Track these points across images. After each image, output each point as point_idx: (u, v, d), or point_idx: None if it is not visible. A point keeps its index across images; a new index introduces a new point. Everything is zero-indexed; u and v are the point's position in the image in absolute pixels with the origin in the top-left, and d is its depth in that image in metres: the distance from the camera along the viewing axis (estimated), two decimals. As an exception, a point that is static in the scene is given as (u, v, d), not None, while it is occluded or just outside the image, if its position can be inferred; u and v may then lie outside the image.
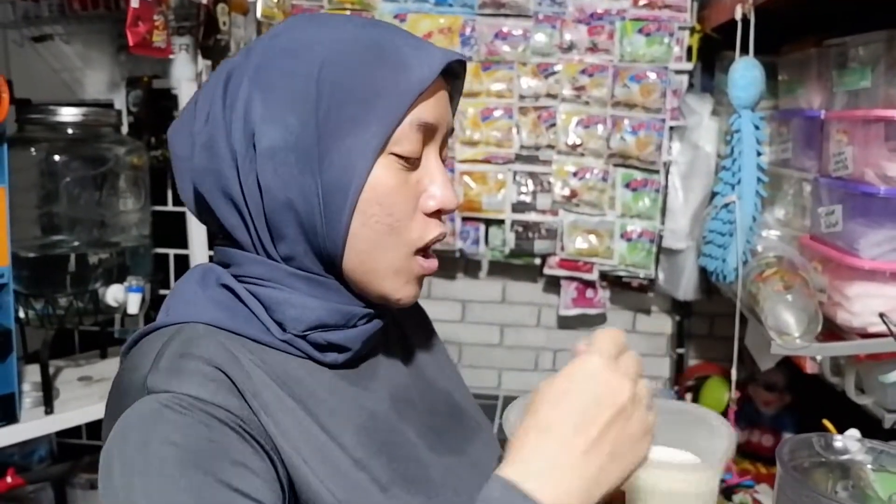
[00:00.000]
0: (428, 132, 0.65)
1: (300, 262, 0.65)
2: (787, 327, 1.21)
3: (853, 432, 1.00)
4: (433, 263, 0.69)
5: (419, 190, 0.66)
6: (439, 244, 0.70)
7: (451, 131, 0.71)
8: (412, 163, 0.65)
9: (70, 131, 1.43)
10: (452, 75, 0.70)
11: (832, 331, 1.25)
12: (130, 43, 1.24)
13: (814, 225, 1.33)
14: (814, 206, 1.33)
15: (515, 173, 1.99)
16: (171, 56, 1.44)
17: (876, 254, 1.16)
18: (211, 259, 0.71)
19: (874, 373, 1.21)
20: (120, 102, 1.72)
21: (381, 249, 0.64)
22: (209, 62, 1.57)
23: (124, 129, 1.69)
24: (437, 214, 0.67)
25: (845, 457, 0.93)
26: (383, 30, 0.66)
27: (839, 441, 0.94)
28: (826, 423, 1.09)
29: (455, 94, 0.72)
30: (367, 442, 0.64)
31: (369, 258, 0.64)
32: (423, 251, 0.67)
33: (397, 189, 0.64)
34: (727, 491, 1.54)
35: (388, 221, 0.63)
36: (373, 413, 0.67)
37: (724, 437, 0.71)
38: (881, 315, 1.09)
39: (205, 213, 0.68)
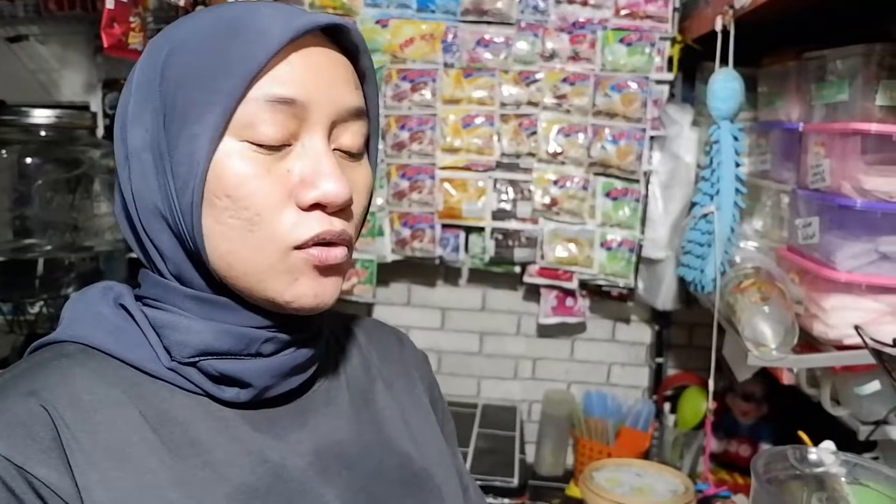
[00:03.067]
0: (293, 111, 0.55)
1: (189, 277, 0.58)
2: (763, 339, 1.21)
3: (828, 444, 1.00)
4: (328, 252, 0.57)
5: (292, 180, 0.56)
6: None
7: (357, 115, 0.59)
8: (274, 148, 0.55)
9: (43, 133, 1.40)
10: (349, 52, 0.60)
11: (809, 342, 1.25)
12: (105, 45, 1.21)
13: (791, 237, 1.34)
14: (791, 217, 1.34)
15: (496, 181, 1.99)
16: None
17: (852, 266, 1.16)
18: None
19: (850, 384, 1.21)
20: (96, 104, 1.71)
21: (246, 249, 0.55)
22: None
23: (100, 132, 1.67)
24: (321, 209, 0.56)
25: (820, 469, 0.93)
26: (255, 4, 0.57)
27: (814, 454, 0.94)
28: (801, 434, 1.09)
29: (366, 75, 0.62)
30: None
31: (236, 260, 0.55)
32: (314, 246, 0.57)
33: (252, 178, 0.54)
34: (704, 502, 1.54)
35: (246, 216, 0.54)
36: (277, 468, 0.57)
37: None
38: (857, 328, 1.10)
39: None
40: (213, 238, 0.56)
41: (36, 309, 1.39)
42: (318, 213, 0.56)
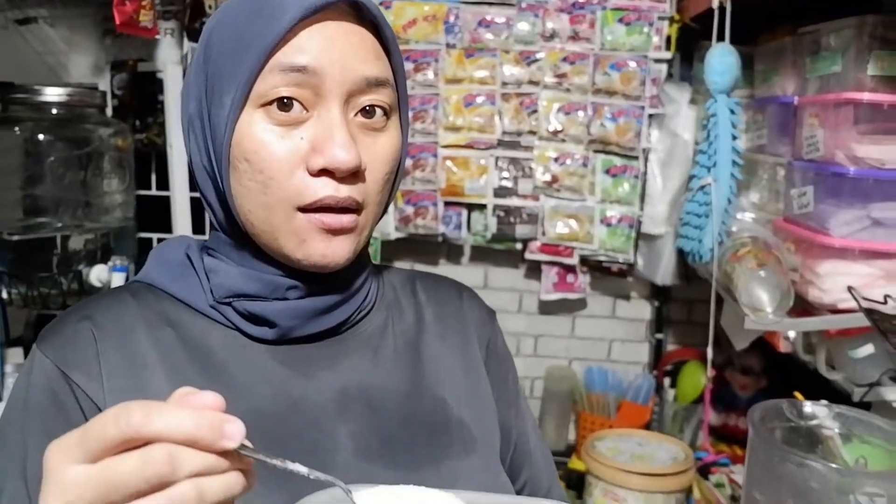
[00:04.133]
0: (307, 78, 0.58)
1: (231, 229, 0.65)
2: (760, 303, 1.25)
3: (822, 401, 1.04)
4: (333, 217, 0.60)
5: (303, 147, 0.59)
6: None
7: (376, 83, 0.61)
8: (290, 117, 0.59)
9: (54, 111, 1.43)
10: (372, 24, 0.63)
11: (804, 308, 1.28)
12: (117, 21, 1.24)
13: (787, 207, 1.37)
14: (787, 189, 1.37)
15: (497, 159, 2.01)
16: (157, 37, 1.44)
17: (846, 232, 1.19)
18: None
19: (844, 348, 1.24)
20: (105, 86, 1.72)
21: (261, 209, 0.60)
22: (195, 45, 1.58)
23: (109, 112, 1.69)
24: (331, 175, 0.59)
25: (814, 422, 0.96)
26: None
27: (808, 407, 0.97)
28: (797, 394, 1.12)
29: (390, 46, 0.64)
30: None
31: (256, 218, 0.61)
32: (317, 210, 0.60)
33: (268, 145, 0.59)
34: (703, 470, 1.57)
35: (260, 179, 0.59)
36: (297, 400, 0.63)
37: None
38: (850, 289, 1.13)
39: None
40: (238, 199, 0.62)
41: (49, 284, 1.41)
42: (325, 179, 0.59)
